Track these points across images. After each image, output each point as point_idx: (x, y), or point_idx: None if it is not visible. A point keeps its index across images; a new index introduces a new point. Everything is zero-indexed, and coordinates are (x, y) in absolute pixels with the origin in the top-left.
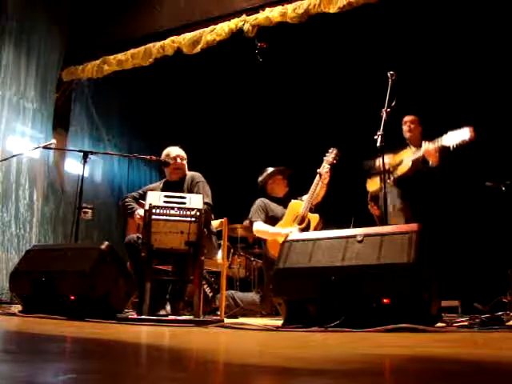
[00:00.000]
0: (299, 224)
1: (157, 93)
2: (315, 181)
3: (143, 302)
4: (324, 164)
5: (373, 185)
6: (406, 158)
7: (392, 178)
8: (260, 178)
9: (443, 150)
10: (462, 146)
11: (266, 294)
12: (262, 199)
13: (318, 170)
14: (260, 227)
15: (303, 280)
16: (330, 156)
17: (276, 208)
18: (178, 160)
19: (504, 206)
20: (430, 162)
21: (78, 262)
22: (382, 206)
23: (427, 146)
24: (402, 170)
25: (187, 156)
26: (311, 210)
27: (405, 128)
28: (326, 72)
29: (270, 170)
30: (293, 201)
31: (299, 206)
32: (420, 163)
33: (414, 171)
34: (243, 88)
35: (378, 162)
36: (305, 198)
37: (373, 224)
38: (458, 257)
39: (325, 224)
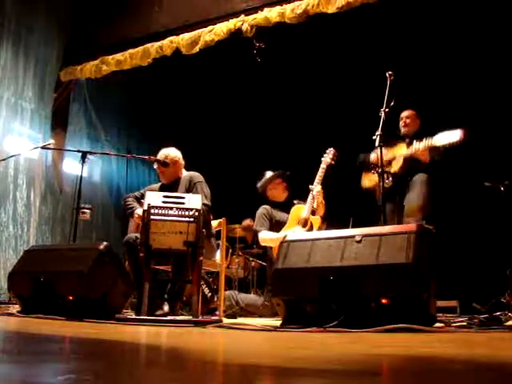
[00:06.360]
0: (303, 227)
1: (155, 93)
2: (313, 187)
3: (141, 303)
4: (316, 185)
5: (368, 181)
6: (399, 155)
7: (390, 179)
8: (259, 184)
9: (433, 149)
10: (451, 147)
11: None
12: (265, 206)
13: (310, 187)
14: (265, 236)
15: (302, 280)
16: (328, 157)
17: (279, 213)
18: (155, 165)
19: (503, 206)
20: (422, 160)
21: (76, 262)
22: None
23: (417, 147)
24: (394, 167)
25: (185, 156)
26: (313, 213)
27: (401, 123)
28: (324, 72)
29: (268, 174)
30: (296, 205)
31: (301, 209)
32: (411, 161)
33: (405, 169)
34: (241, 87)
35: (372, 156)
36: (308, 200)
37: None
38: (457, 257)
39: (328, 226)
